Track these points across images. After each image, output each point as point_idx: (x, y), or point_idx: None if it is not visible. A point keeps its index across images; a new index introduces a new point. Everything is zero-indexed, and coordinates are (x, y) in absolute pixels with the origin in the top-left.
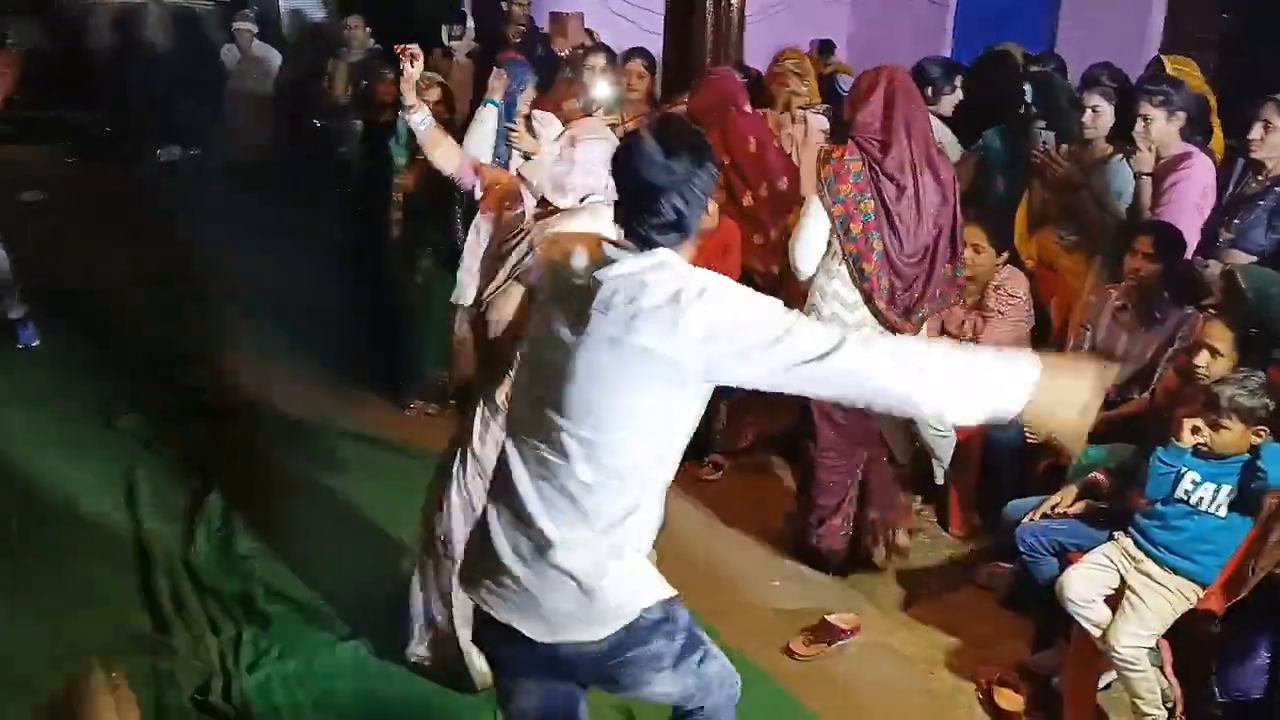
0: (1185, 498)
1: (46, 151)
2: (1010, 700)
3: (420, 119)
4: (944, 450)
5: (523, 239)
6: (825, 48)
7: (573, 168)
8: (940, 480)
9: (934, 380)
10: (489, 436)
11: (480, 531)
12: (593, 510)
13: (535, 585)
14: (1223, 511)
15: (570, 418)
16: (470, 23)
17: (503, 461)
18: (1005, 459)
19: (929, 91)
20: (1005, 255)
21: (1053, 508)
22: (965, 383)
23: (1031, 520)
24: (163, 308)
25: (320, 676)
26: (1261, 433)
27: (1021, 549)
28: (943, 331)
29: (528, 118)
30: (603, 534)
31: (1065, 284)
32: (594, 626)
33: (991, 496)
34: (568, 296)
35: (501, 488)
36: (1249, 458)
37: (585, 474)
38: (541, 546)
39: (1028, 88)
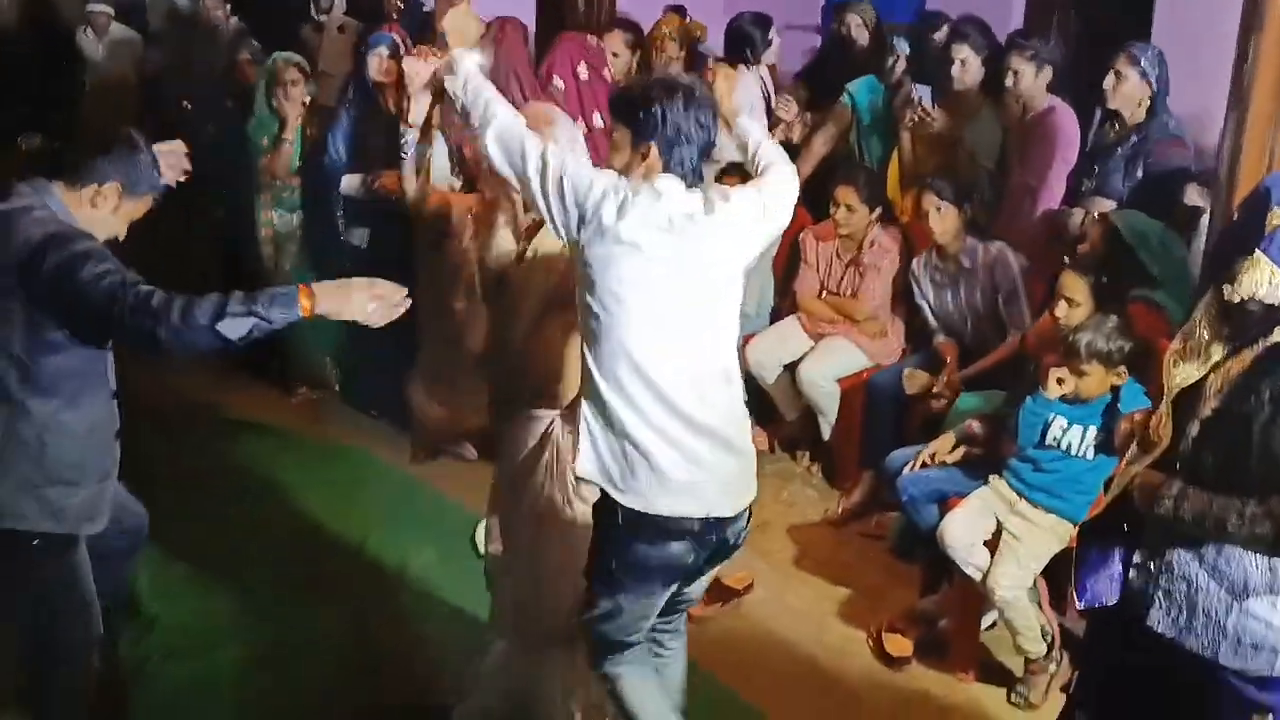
0: (1055, 443)
1: None
2: (899, 646)
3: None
4: (828, 405)
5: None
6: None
7: None
8: (826, 435)
9: None
10: None
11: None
12: None
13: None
14: (1090, 454)
15: None
16: None
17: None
18: (886, 410)
19: (747, 51)
20: (878, 211)
21: (931, 456)
22: None
23: (911, 470)
24: None
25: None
26: (1121, 373)
27: (903, 498)
28: (822, 288)
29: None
30: None
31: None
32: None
33: (875, 448)
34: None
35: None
36: (1111, 399)
37: None
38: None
39: (897, 41)
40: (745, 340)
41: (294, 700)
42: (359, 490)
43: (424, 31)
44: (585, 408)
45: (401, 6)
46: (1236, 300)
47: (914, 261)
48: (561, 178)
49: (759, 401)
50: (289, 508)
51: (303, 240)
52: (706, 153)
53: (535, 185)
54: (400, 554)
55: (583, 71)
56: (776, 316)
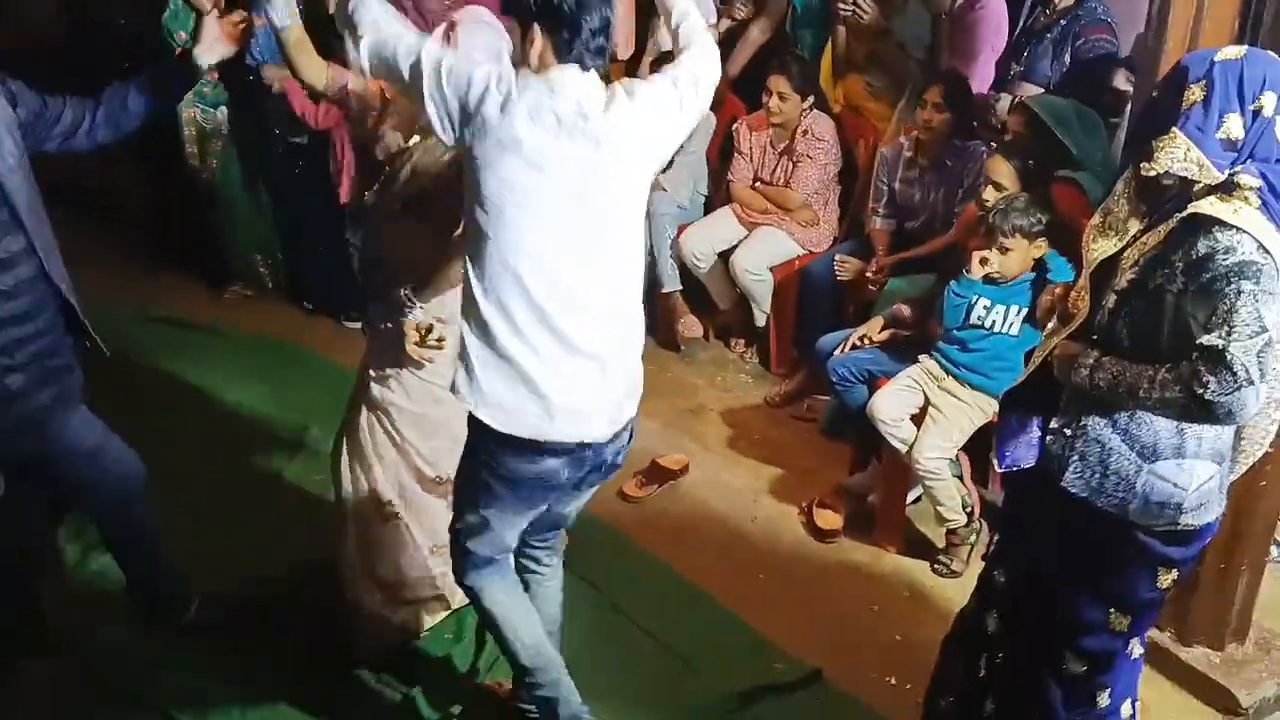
0: (979, 323)
1: None
2: (829, 520)
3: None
4: (761, 293)
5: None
6: None
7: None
8: (760, 323)
9: None
10: None
11: None
12: None
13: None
14: (1015, 329)
15: None
16: None
17: None
18: (819, 296)
19: None
20: (810, 100)
21: (861, 338)
22: None
23: (842, 352)
24: None
25: None
26: (1040, 245)
27: (834, 379)
28: (755, 178)
29: None
30: None
31: (871, 126)
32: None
33: (809, 334)
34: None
35: None
36: (1034, 276)
37: None
38: None
39: None
40: (679, 230)
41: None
42: (297, 384)
43: None
44: (464, 324)
45: None
46: (1153, 175)
47: (884, 149)
48: (440, 75)
49: (694, 290)
50: (223, 404)
51: (230, 137)
52: (605, 32)
53: (415, 88)
54: None
55: None
56: (710, 207)
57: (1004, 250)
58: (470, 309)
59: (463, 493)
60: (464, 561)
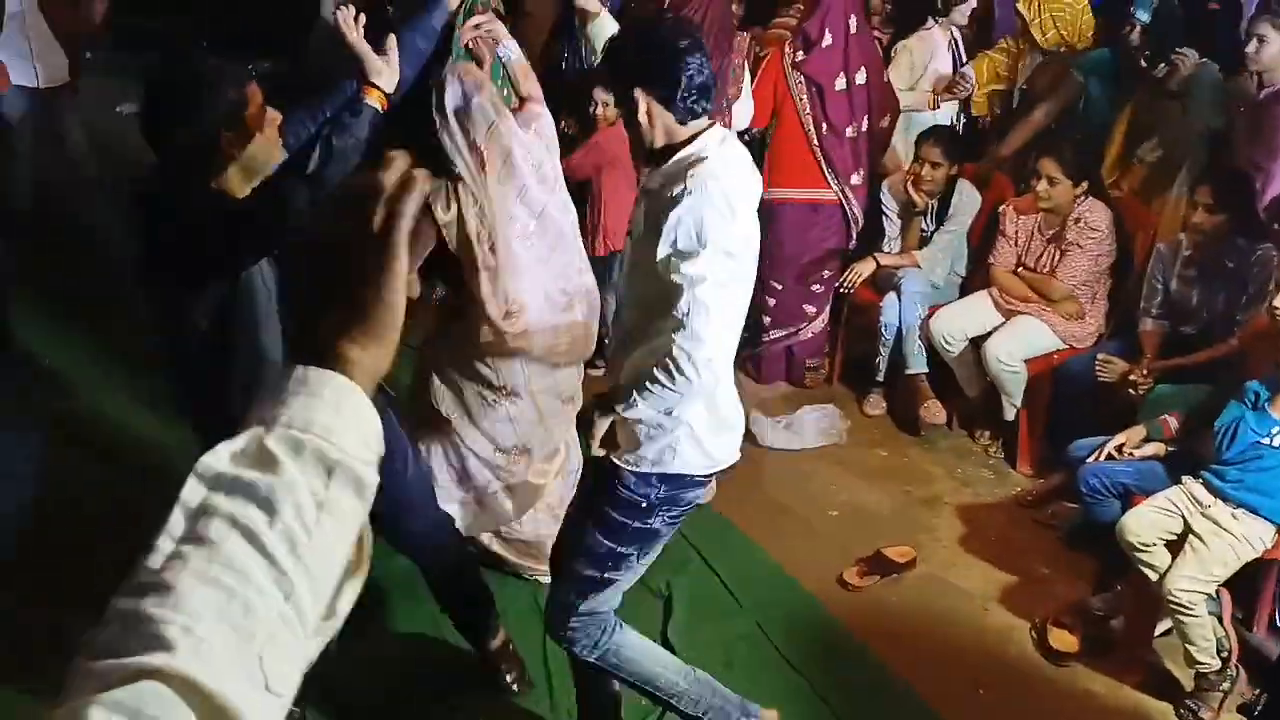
0: (1265, 443)
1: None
2: (1064, 641)
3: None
4: (1013, 386)
5: None
6: None
7: None
8: (1009, 416)
9: None
10: None
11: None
12: None
13: None
14: None
15: None
16: None
17: None
18: (1076, 396)
19: (938, 2)
20: (1084, 185)
21: (1118, 448)
22: None
23: (1096, 460)
24: None
25: None
26: None
27: (1084, 489)
28: (1018, 263)
29: None
30: None
31: (1153, 218)
32: None
33: (1061, 434)
34: None
35: None
36: None
37: None
38: None
39: (1137, 8)
40: (931, 310)
41: None
42: None
43: None
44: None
45: None
46: None
47: (1160, 245)
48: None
49: (941, 374)
50: None
51: None
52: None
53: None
54: None
55: (853, 23)
56: (967, 289)
57: None
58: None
59: (596, 556)
60: (595, 632)
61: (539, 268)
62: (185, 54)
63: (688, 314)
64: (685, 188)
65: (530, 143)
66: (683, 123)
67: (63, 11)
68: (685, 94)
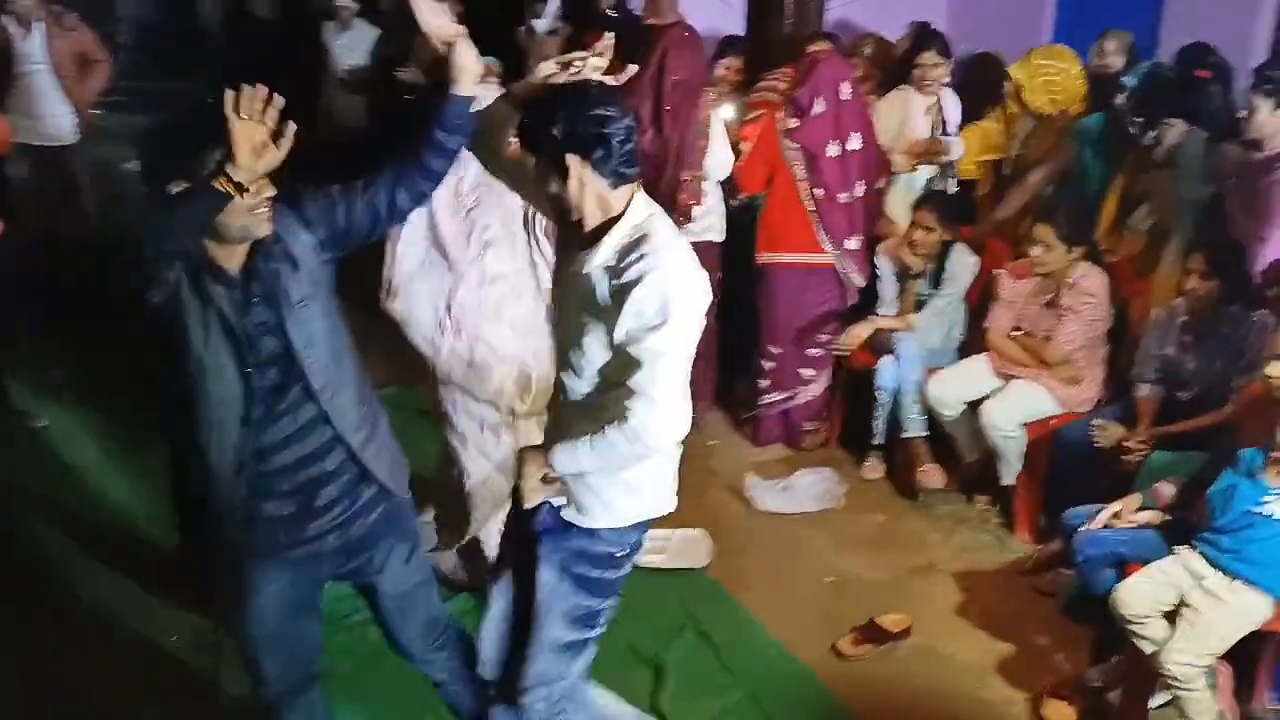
0: (1259, 512)
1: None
2: (1061, 713)
3: None
4: (1011, 451)
5: None
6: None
7: None
8: (1007, 481)
9: None
10: None
11: None
12: None
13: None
14: None
15: None
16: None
17: None
18: (1074, 462)
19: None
20: (1079, 251)
21: (1114, 515)
22: None
23: (1089, 528)
24: None
25: None
26: None
27: (1078, 558)
28: (1015, 328)
29: None
30: None
31: (1148, 283)
32: None
33: (1060, 500)
34: None
35: None
36: None
37: None
38: None
39: (1126, 79)
40: (928, 374)
41: None
42: None
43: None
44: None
45: (615, 8)
46: None
47: (1157, 311)
48: None
49: (938, 438)
50: None
51: None
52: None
53: None
54: None
55: (845, 90)
56: (965, 353)
57: None
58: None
59: (576, 619)
60: (572, 694)
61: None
62: (191, 106)
63: (651, 383)
64: (643, 268)
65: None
66: (614, 188)
67: (75, 73)
68: (620, 157)
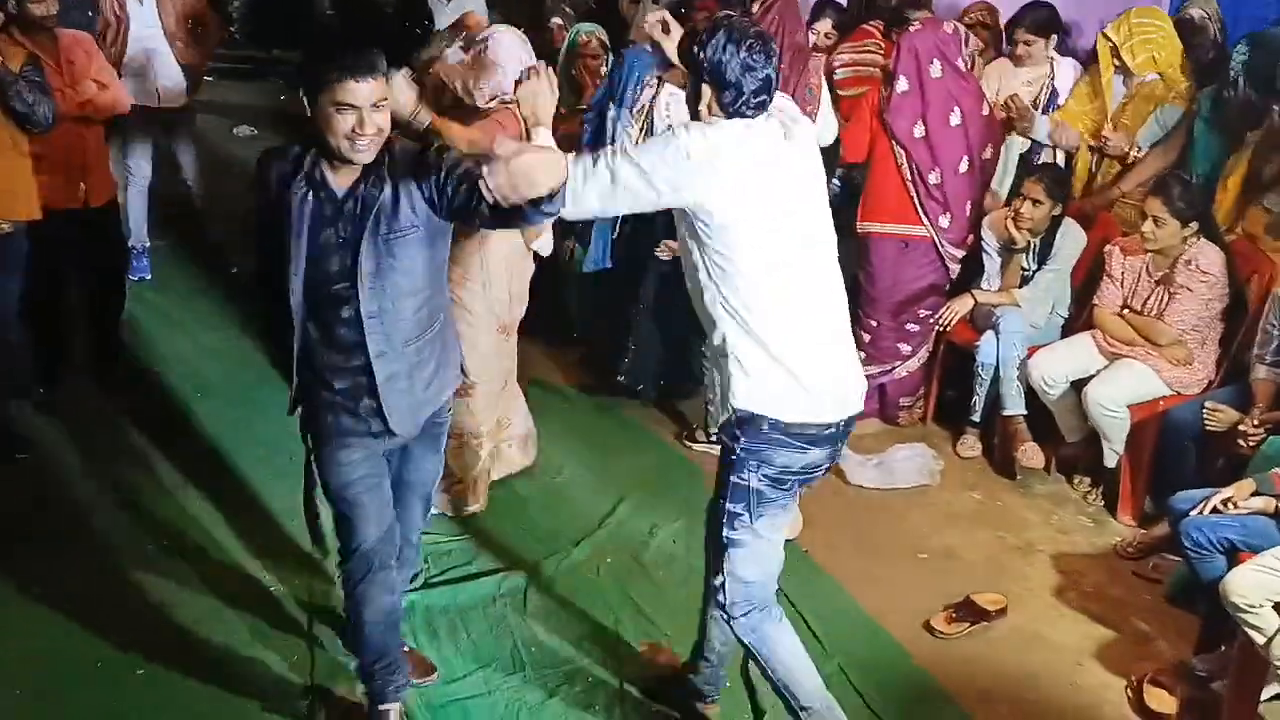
0: None
1: (261, 89)
2: (1162, 701)
3: None
4: (1115, 432)
5: None
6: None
7: None
8: (1110, 463)
9: None
10: None
11: None
12: None
13: None
14: None
15: None
16: None
17: None
18: (1182, 445)
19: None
20: (1193, 227)
21: (1225, 501)
22: None
23: (1200, 514)
24: None
25: None
26: None
27: (1187, 543)
28: (1124, 305)
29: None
30: None
31: (1269, 261)
32: None
33: (1165, 484)
34: None
35: None
36: None
37: None
38: None
39: (1240, 47)
40: (1030, 351)
41: None
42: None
43: None
44: (735, 338)
45: None
46: None
47: (1277, 290)
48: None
49: (1040, 417)
50: None
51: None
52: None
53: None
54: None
55: (936, 68)
56: (1069, 330)
57: None
58: (734, 330)
59: (725, 522)
60: (751, 609)
61: None
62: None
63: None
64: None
65: None
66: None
67: (185, 38)
68: (748, 104)
